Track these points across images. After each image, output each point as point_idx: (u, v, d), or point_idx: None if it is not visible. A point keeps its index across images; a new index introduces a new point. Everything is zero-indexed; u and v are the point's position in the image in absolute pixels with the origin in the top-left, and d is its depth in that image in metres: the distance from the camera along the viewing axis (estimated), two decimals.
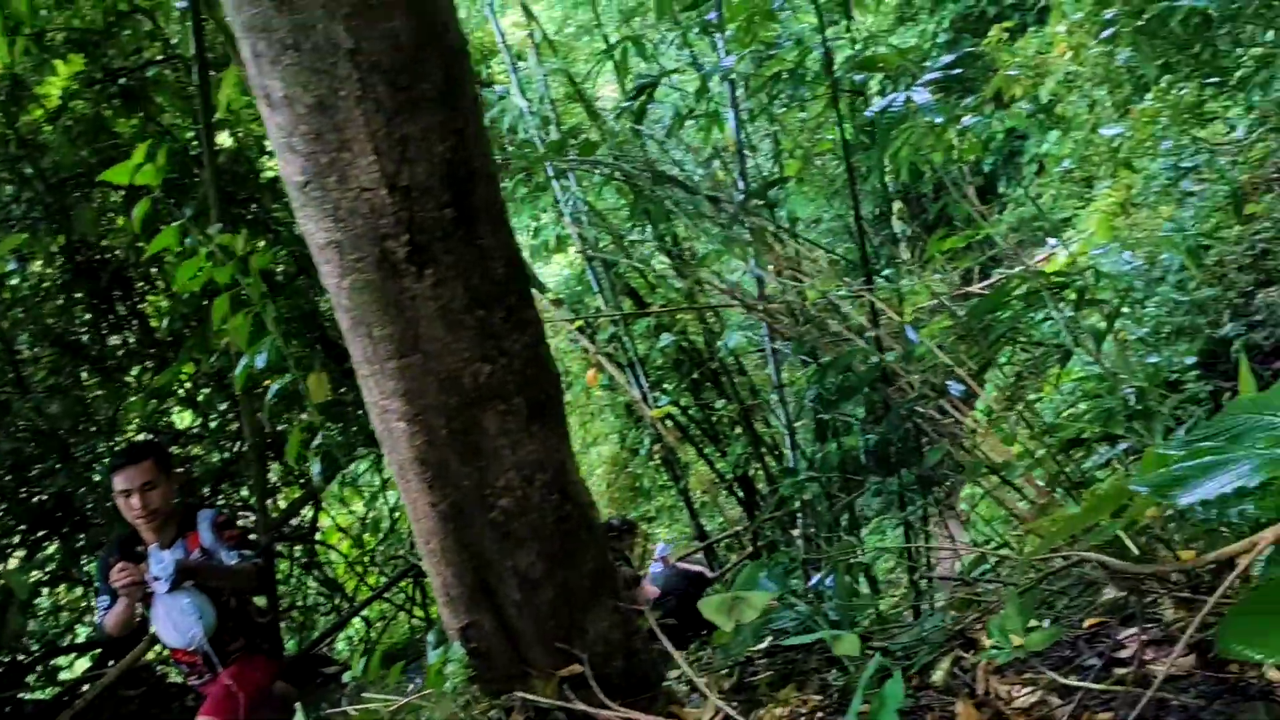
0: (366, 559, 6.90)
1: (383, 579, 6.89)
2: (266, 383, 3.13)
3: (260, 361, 2.55)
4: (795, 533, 6.17)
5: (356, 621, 6.94)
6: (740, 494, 8.63)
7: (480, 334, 2.00)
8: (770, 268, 4.03)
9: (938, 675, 2.66)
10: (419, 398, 2.01)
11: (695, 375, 8.56)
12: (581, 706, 2.10)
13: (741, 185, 4.67)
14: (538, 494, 2.13)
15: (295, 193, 1.87)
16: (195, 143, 4.30)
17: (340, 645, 7.24)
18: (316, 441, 2.79)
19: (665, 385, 8.59)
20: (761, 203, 4.37)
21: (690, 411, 8.84)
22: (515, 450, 2.09)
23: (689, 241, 6.78)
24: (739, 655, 2.92)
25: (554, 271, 9.92)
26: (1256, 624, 1.71)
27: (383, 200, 1.83)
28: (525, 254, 8.89)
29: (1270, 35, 5.08)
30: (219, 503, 5.85)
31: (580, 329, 7.29)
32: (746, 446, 8.20)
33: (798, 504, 5.68)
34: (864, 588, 4.12)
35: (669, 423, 8.13)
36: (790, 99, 4.81)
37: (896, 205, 8.51)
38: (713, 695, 2.13)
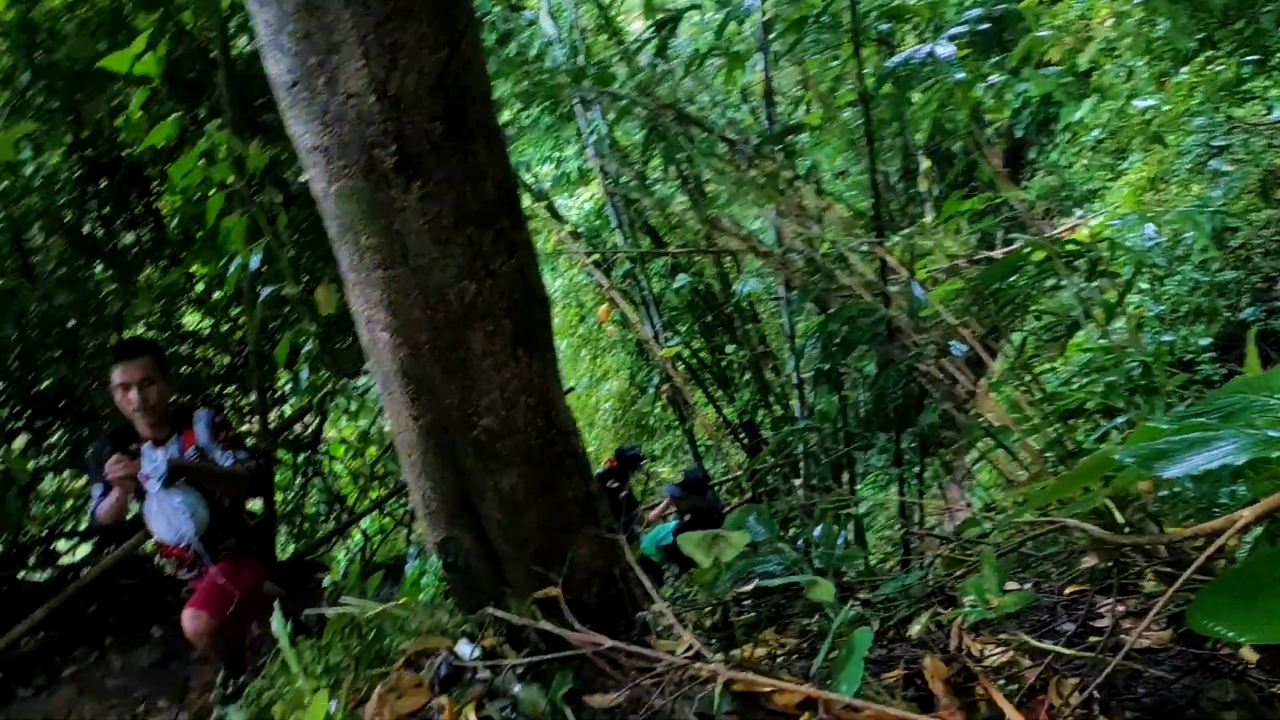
0: (369, 473, 6.95)
1: (384, 493, 6.96)
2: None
3: (254, 263, 2.53)
4: (797, 482, 6.18)
5: (355, 534, 7.02)
6: (745, 440, 8.63)
7: (468, 252, 1.97)
8: (782, 214, 3.97)
9: (915, 629, 2.66)
10: (404, 311, 1.99)
11: (708, 318, 8.51)
12: (551, 627, 2.10)
13: (769, 129, 4.59)
14: (522, 417, 2.12)
15: (283, 93, 1.83)
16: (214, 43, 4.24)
17: (339, 556, 7.33)
18: (307, 348, 2.78)
19: (678, 326, 8.55)
20: (779, 148, 4.29)
21: (701, 354, 8.80)
22: (500, 372, 2.07)
23: (710, 184, 6.70)
24: (721, 595, 2.93)
25: (575, 205, 9.84)
26: (1231, 602, 1.69)
27: (371, 107, 1.79)
28: (547, 186, 8.83)
29: None
30: (225, 406, 5.88)
31: (597, 263, 7.25)
32: (754, 393, 8.19)
33: (800, 453, 5.67)
34: (854, 540, 4.12)
35: (679, 363, 8.11)
36: (816, 44, 4.69)
37: (925, 164, 8.38)
38: (686, 631, 2.13)
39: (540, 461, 2.17)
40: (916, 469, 4.28)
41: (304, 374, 2.99)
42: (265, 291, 2.79)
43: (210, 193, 2.71)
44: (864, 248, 3.86)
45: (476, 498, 2.20)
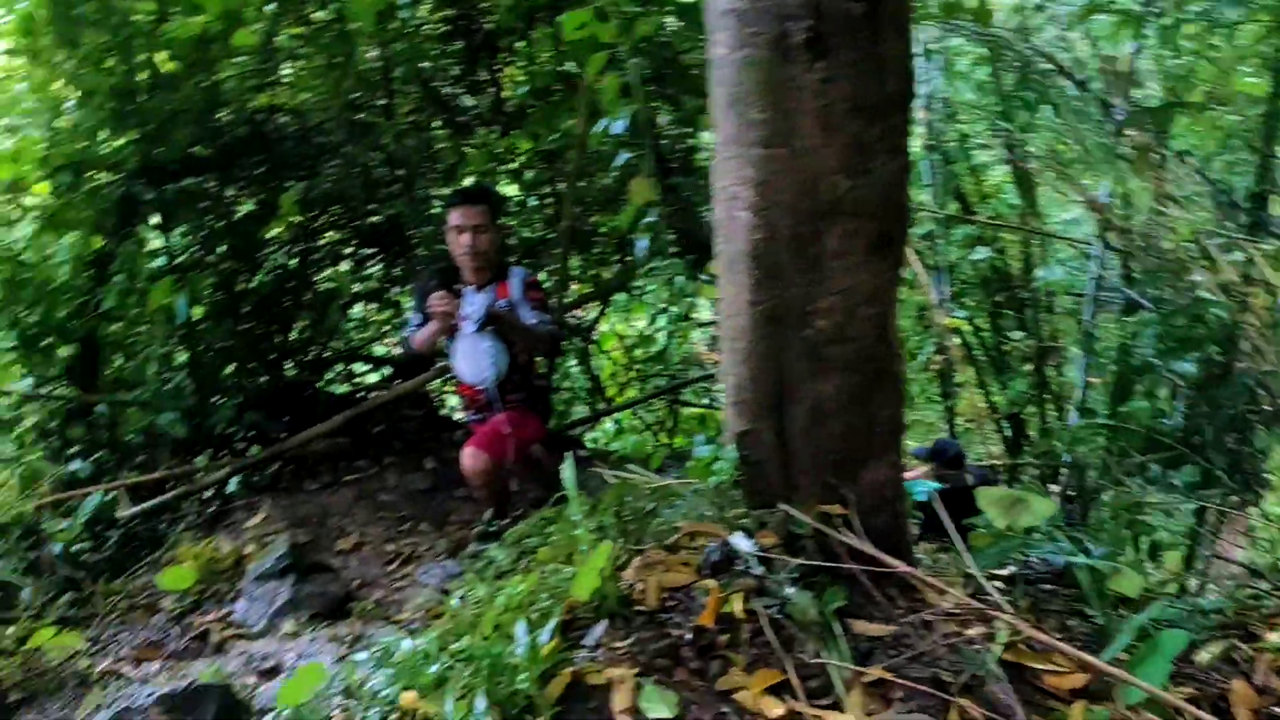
0: (631, 373, 7.13)
1: (639, 395, 7.12)
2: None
3: (618, 128, 2.59)
4: (1053, 489, 5.82)
5: (606, 427, 7.24)
6: (1008, 433, 8.21)
7: (852, 145, 1.92)
8: (1146, 193, 3.67)
9: (1204, 656, 2.44)
10: (772, 194, 1.97)
11: (1000, 299, 8.08)
12: (852, 540, 2.06)
13: (1124, 103, 4.24)
14: (858, 326, 2.06)
15: None
16: None
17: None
18: (649, 219, 2.85)
19: (965, 299, 8.17)
20: (1152, 123, 3.97)
21: (983, 333, 8.39)
22: (849, 275, 2.02)
23: (1046, 158, 6.29)
24: (985, 566, 2.80)
25: None
26: None
27: None
28: None
29: None
30: None
31: None
32: (1031, 387, 7.75)
33: (1066, 460, 5.32)
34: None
35: (957, 337, 7.78)
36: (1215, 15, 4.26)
37: None
38: (982, 578, 2.04)
39: (863, 374, 2.11)
40: (1219, 500, 3.91)
41: (641, 244, 3.06)
42: (621, 157, 2.87)
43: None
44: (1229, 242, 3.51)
45: (789, 397, 2.17)
